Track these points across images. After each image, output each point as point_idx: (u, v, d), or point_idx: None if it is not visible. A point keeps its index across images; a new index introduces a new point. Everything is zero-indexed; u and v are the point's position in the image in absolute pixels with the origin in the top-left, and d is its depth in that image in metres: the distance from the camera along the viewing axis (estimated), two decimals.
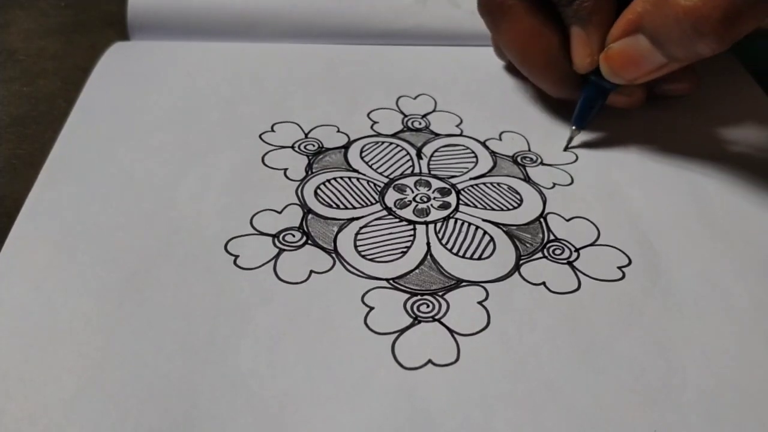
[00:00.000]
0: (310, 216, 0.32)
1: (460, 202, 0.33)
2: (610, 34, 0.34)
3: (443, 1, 0.44)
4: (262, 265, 0.29)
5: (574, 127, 0.37)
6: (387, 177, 0.34)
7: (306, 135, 0.37)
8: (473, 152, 0.36)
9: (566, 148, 0.37)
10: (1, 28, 0.46)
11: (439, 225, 0.32)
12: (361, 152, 0.36)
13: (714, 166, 0.35)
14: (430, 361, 0.26)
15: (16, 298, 0.28)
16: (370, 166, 0.35)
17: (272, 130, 0.37)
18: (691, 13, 0.29)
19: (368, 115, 0.38)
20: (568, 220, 0.32)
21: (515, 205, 0.33)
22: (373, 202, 0.33)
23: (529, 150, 0.36)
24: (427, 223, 0.32)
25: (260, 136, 0.36)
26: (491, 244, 0.31)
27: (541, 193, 0.34)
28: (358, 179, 0.34)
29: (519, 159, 0.36)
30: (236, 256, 0.30)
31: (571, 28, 0.35)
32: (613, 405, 0.25)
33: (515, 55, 0.38)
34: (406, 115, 0.38)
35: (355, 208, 0.33)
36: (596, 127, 0.37)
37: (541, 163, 0.36)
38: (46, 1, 0.49)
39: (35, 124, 0.38)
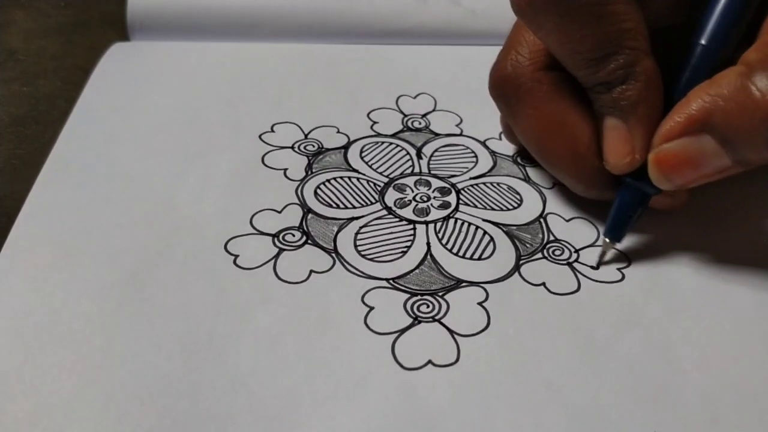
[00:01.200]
0: (310, 216, 0.32)
1: (460, 201, 0.33)
2: (662, 130, 0.28)
3: (443, 0, 0.44)
4: (262, 264, 0.29)
5: (607, 240, 0.30)
6: (387, 177, 0.34)
7: (306, 135, 0.37)
8: (473, 152, 0.36)
9: (599, 265, 0.30)
10: (1, 28, 0.46)
11: (439, 225, 0.32)
12: (361, 152, 0.36)
13: None
14: (430, 361, 0.26)
15: (16, 298, 0.28)
16: (370, 166, 0.35)
17: (272, 131, 0.37)
18: None
19: (368, 115, 0.38)
20: (567, 221, 0.32)
21: (515, 205, 0.33)
22: (373, 201, 0.33)
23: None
24: (427, 223, 0.32)
25: (260, 137, 0.36)
26: (491, 244, 0.31)
27: (541, 193, 0.34)
28: (358, 179, 0.34)
29: (519, 159, 0.36)
30: (236, 256, 0.30)
31: (605, 119, 0.29)
32: (613, 405, 0.25)
33: (534, 147, 0.32)
34: (405, 115, 0.38)
35: (355, 207, 0.33)
36: None
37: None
38: (46, 1, 0.49)
39: (35, 124, 0.38)
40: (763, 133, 0.25)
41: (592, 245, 0.31)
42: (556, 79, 0.30)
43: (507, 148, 0.36)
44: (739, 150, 0.26)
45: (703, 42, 0.28)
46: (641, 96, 0.28)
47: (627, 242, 0.31)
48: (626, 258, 0.30)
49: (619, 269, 0.30)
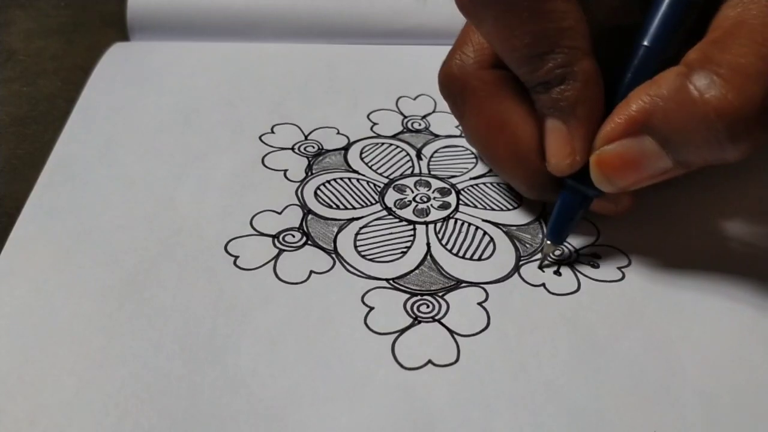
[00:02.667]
0: (310, 216, 0.32)
1: (460, 202, 0.33)
2: (603, 132, 0.27)
3: (443, 0, 0.44)
4: (263, 265, 0.30)
5: (548, 242, 0.30)
6: (387, 178, 0.34)
7: (306, 137, 0.37)
8: (473, 153, 0.36)
9: (541, 266, 0.30)
10: (1, 28, 0.46)
11: (439, 225, 0.32)
12: (361, 153, 0.36)
13: (713, 166, 0.35)
14: (430, 361, 0.26)
15: (16, 298, 0.28)
16: (370, 167, 0.35)
17: (272, 132, 0.37)
18: (724, 113, 0.24)
19: (368, 116, 0.38)
20: None
21: (515, 205, 0.33)
22: (373, 202, 0.33)
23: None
24: (427, 224, 0.32)
25: (260, 138, 0.36)
26: (491, 244, 0.31)
27: None
28: (358, 180, 0.34)
29: None
30: (236, 257, 0.30)
31: (546, 119, 0.28)
32: (613, 405, 0.25)
33: (477, 146, 0.32)
34: (405, 116, 0.38)
35: (355, 208, 0.33)
36: None
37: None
38: (46, 1, 0.49)
39: (35, 124, 0.38)
40: (702, 132, 0.25)
41: (592, 245, 0.31)
42: (501, 78, 0.30)
43: None
44: (679, 151, 0.26)
45: (645, 43, 0.28)
46: (580, 96, 0.27)
47: (627, 242, 0.31)
48: (626, 258, 0.30)
49: (619, 269, 0.30)
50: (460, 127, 0.34)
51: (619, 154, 0.27)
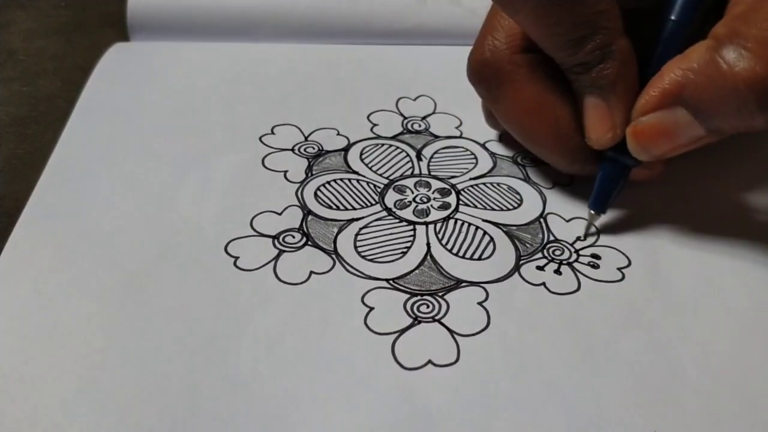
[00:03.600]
0: (310, 217, 0.32)
1: (460, 202, 0.33)
2: (639, 104, 0.29)
3: (444, 0, 0.44)
4: (263, 266, 0.30)
5: (592, 212, 0.31)
6: (387, 178, 0.34)
7: (306, 138, 0.37)
8: (473, 153, 0.36)
9: (585, 236, 0.32)
10: (1, 28, 0.46)
11: (439, 225, 0.32)
12: (361, 154, 0.36)
13: (715, 166, 0.35)
14: (430, 361, 0.26)
15: (17, 298, 0.28)
16: (370, 168, 0.35)
17: (272, 133, 0.37)
18: (753, 84, 0.26)
19: (368, 117, 0.38)
20: (568, 221, 0.32)
21: (515, 205, 0.33)
22: (373, 203, 0.33)
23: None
24: (427, 224, 0.32)
25: (260, 139, 0.36)
26: (491, 244, 0.31)
27: (541, 193, 0.34)
28: (358, 180, 0.34)
29: (519, 159, 0.36)
30: (236, 258, 0.30)
31: (585, 98, 0.30)
32: (613, 405, 0.25)
33: (516, 129, 0.33)
34: (405, 117, 0.38)
35: (355, 209, 0.33)
36: None
37: (542, 163, 0.35)
38: (46, 1, 0.49)
39: (35, 124, 0.38)
40: (732, 103, 0.26)
41: (592, 245, 0.31)
42: (534, 61, 0.31)
43: (507, 149, 0.36)
44: (711, 120, 0.27)
45: (673, 17, 0.29)
46: (619, 74, 0.29)
47: (627, 242, 0.31)
48: (626, 258, 0.30)
49: (619, 269, 0.30)
50: (493, 113, 0.35)
51: (655, 125, 0.29)
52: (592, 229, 0.32)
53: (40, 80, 0.42)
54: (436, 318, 0.28)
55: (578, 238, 0.32)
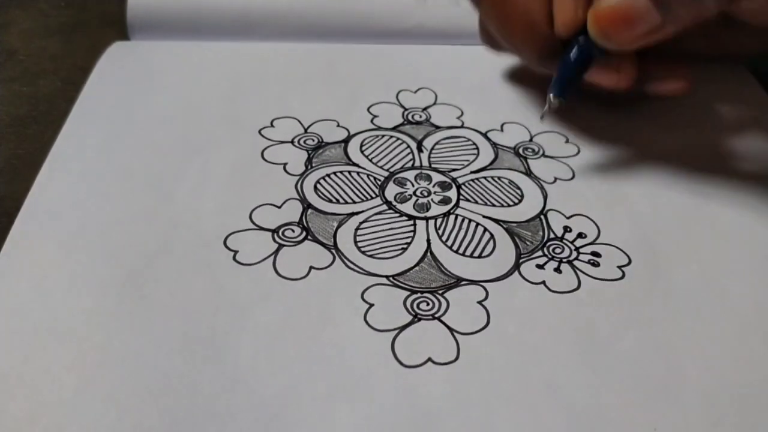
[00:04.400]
0: (309, 211, 0.32)
1: (461, 197, 0.33)
2: None
3: (444, 0, 0.43)
4: (262, 260, 0.29)
5: (551, 95, 0.33)
6: (387, 171, 0.34)
7: (305, 130, 0.36)
8: (474, 144, 0.36)
9: (542, 117, 0.34)
10: (1, 28, 0.45)
11: (439, 221, 0.32)
12: (361, 146, 0.36)
13: (714, 166, 0.35)
14: (429, 359, 0.26)
15: (16, 297, 0.28)
16: (370, 160, 0.35)
17: (271, 126, 0.36)
18: None
19: (368, 109, 0.38)
20: (568, 218, 0.32)
21: (516, 200, 0.33)
22: (374, 196, 0.33)
23: (531, 140, 0.36)
24: (427, 219, 0.32)
25: (259, 131, 0.36)
26: (491, 241, 0.31)
27: (542, 189, 0.34)
28: (358, 173, 0.34)
29: (521, 150, 0.36)
30: (236, 252, 0.30)
31: None
32: (613, 405, 0.25)
33: (494, 21, 0.35)
34: (406, 109, 0.38)
35: (355, 202, 0.32)
36: (597, 120, 0.37)
37: (543, 155, 0.35)
38: (46, 1, 0.48)
39: (35, 124, 0.38)
40: None
41: (592, 243, 0.31)
42: None
43: (508, 139, 0.36)
44: (666, 3, 0.29)
45: None
46: None
47: (627, 240, 0.31)
48: (626, 256, 0.30)
49: (619, 267, 0.30)
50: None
51: (614, 8, 0.30)
52: (550, 111, 0.34)
53: (40, 80, 0.41)
54: (436, 316, 0.28)
55: (540, 119, 0.35)
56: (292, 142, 0.36)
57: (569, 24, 0.32)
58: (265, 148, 0.35)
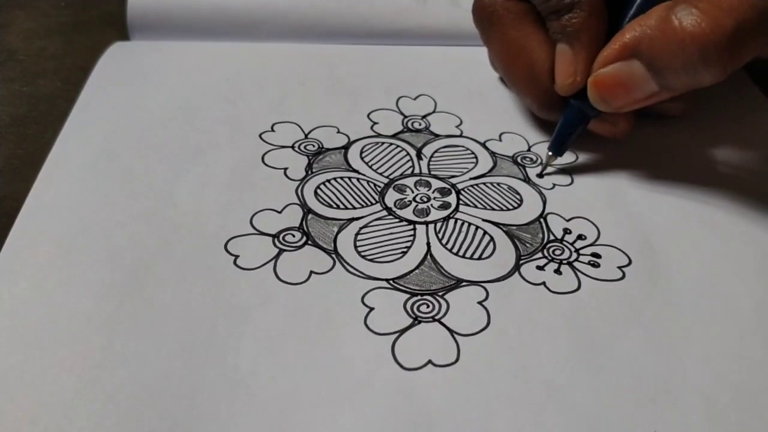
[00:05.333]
0: (310, 216, 0.32)
1: (460, 202, 0.33)
2: (600, 56, 0.32)
3: (443, 1, 0.44)
4: (262, 265, 0.29)
5: (550, 153, 0.35)
6: (387, 177, 0.34)
7: (306, 135, 0.37)
8: (473, 153, 0.36)
9: (541, 174, 0.35)
10: (1, 28, 0.46)
11: (439, 225, 0.32)
12: (361, 153, 0.36)
13: (714, 166, 0.35)
14: (430, 361, 0.26)
15: (16, 297, 0.28)
16: (370, 167, 0.35)
17: (272, 130, 0.37)
18: (698, 39, 0.28)
19: (368, 115, 0.38)
20: (568, 220, 0.32)
21: (515, 205, 0.33)
22: (373, 202, 0.33)
23: (529, 150, 0.36)
24: (427, 223, 0.32)
25: (260, 136, 0.36)
26: (491, 244, 0.31)
27: (541, 194, 0.34)
28: (358, 179, 0.34)
29: (519, 159, 0.36)
30: (236, 256, 0.30)
31: (557, 45, 0.33)
32: (613, 405, 0.25)
33: (500, 68, 0.37)
34: (406, 116, 0.38)
35: (355, 208, 0.32)
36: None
37: (541, 164, 0.36)
38: (46, 1, 0.49)
39: (35, 124, 0.38)
40: (679, 56, 0.29)
41: (592, 244, 0.31)
42: (525, 9, 0.35)
43: (507, 149, 0.36)
44: (662, 74, 0.30)
45: None
46: (584, 24, 0.32)
47: (627, 241, 0.31)
48: (626, 257, 0.30)
49: (619, 268, 0.30)
50: (488, 52, 0.39)
51: (612, 75, 0.31)
52: (549, 169, 0.35)
53: (40, 80, 0.41)
54: (436, 318, 0.28)
55: (537, 176, 0.35)
56: (292, 147, 0.36)
57: (566, 85, 0.33)
58: (266, 153, 0.35)
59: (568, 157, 0.36)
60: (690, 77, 0.29)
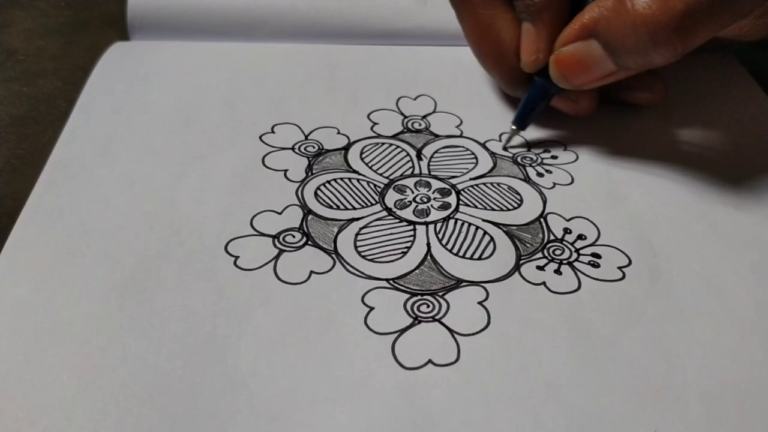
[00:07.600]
0: (310, 217, 0.32)
1: (460, 202, 0.33)
2: (561, 36, 0.33)
3: (443, 1, 0.44)
4: (263, 265, 0.30)
5: (513, 127, 0.36)
6: (387, 178, 0.34)
7: (306, 136, 0.37)
8: (473, 153, 0.36)
9: (505, 147, 0.36)
10: (1, 28, 0.46)
11: (439, 225, 0.32)
12: (361, 153, 0.36)
13: (714, 166, 0.35)
14: (430, 361, 0.26)
15: (16, 298, 0.28)
16: (370, 168, 0.35)
17: (272, 132, 0.37)
18: (648, 20, 0.29)
19: (368, 116, 0.38)
20: (568, 220, 0.32)
21: (515, 205, 0.33)
22: (373, 202, 0.33)
23: (529, 150, 0.36)
24: (427, 224, 0.32)
25: (260, 138, 0.36)
26: (491, 244, 0.31)
27: (541, 193, 0.34)
28: (358, 180, 0.34)
29: (519, 159, 0.36)
30: (236, 257, 0.30)
31: (522, 23, 0.35)
32: (613, 405, 0.25)
33: (470, 45, 0.37)
34: (406, 116, 0.38)
35: (355, 208, 0.33)
36: (595, 125, 0.37)
37: (542, 163, 0.36)
38: (46, 1, 0.49)
39: (35, 124, 0.38)
40: (631, 37, 0.30)
41: (592, 245, 0.31)
42: None
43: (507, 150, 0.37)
44: (617, 53, 0.31)
45: None
46: (546, 4, 0.33)
47: (627, 241, 0.31)
48: (626, 257, 0.30)
49: (619, 268, 0.30)
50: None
51: (572, 54, 0.33)
52: (514, 142, 0.37)
53: (40, 80, 0.42)
54: (436, 318, 0.28)
55: (503, 149, 0.36)
56: (292, 148, 0.36)
57: (530, 62, 0.35)
58: (266, 154, 0.35)
59: (567, 157, 0.36)
60: (642, 58, 0.30)
